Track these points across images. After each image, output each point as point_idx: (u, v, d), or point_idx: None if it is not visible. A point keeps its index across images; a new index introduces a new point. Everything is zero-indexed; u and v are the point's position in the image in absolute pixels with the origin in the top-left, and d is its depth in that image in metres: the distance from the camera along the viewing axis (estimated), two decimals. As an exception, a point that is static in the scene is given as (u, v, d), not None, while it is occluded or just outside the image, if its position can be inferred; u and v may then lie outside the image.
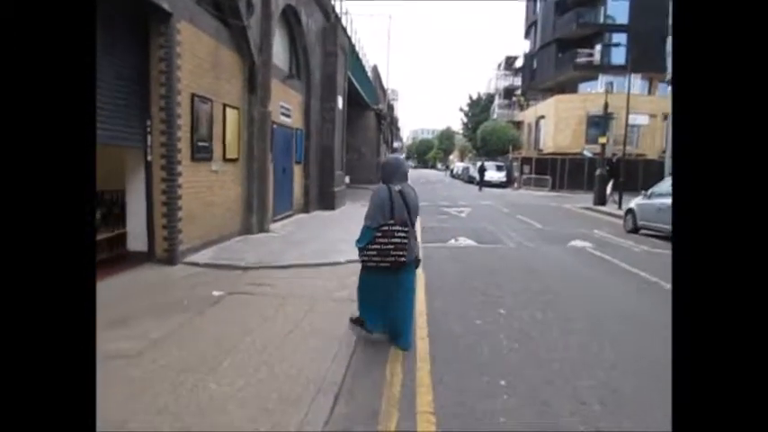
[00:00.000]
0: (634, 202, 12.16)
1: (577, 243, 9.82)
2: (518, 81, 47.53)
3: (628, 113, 18.45)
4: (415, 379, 3.43)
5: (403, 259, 3.78)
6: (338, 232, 9.47)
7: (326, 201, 14.21)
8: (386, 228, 3.77)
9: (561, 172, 30.11)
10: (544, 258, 8.22)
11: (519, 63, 47.47)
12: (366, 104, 26.73)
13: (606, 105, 20.49)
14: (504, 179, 32.91)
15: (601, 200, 18.93)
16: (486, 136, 39.19)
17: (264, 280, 5.82)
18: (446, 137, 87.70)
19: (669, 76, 15.25)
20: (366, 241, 3.83)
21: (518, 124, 41.06)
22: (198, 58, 6.89)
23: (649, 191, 11.70)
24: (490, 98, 54.27)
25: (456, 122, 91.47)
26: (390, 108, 40.79)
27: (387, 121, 36.27)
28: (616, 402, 3.16)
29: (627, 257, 8.33)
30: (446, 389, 3.29)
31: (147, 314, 4.41)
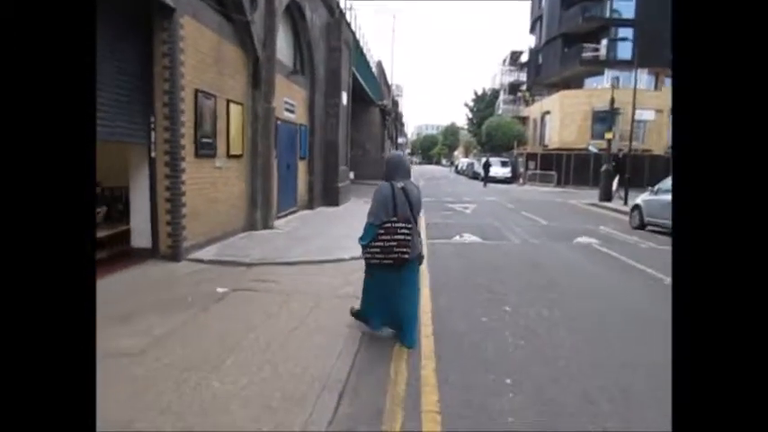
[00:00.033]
0: (640, 198, 12.06)
1: (583, 239, 9.75)
2: (523, 76, 47.25)
3: (634, 109, 18.29)
4: (419, 377, 3.40)
5: (406, 256, 3.76)
6: (342, 228, 9.44)
7: (331, 197, 14.18)
8: (389, 225, 3.75)
9: (566, 168, 29.98)
10: (549, 255, 8.16)
11: (524, 58, 47.18)
12: (370, 100, 26.64)
13: (612, 100, 20.31)
14: (509, 175, 32.78)
15: (606, 196, 18.80)
16: (491, 131, 39.03)
17: (269, 277, 5.79)
18: (451, 132, 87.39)
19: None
20: (369, 238, 3.81)
21: (523, 120, 40.88)
22: (201, 53, 6.86)
23: (656, 187, 11.60)
24: (495, 93, 53.96)
25: (461, 118, 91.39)
26: (395, 104, 40.63)
27: (391, 117, 36.15)
28: (625, 401, 3.12)
29: (633, 254, 8.25)
30: (452, 388, 3.25)
31: (150, 311, 4.40)
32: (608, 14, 32.37)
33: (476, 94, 55.06)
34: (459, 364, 3.63)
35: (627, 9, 31.44)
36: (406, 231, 3.74)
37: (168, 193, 6.32)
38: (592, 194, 20.89)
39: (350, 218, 11.04)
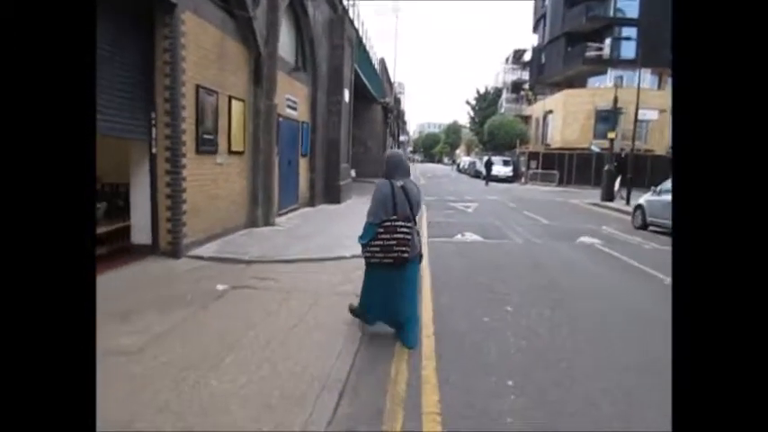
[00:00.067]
0: (643, 198, 12.01)
1: (585, 239, 9.71)
2: (526, 75, 47.07)
3: (637, 108, 18.19)
4: (420, 377, 3.37)
5: (406, 255, 3.73)
6: (343, 226, 9.40)
7: (332, 194, 14.14)
8: (388, 223, 3.72)
9: (569, 167, 29.91)
10: (551, 255, 8.12)
11: (527, 57, 46.99)
12: (373, 98, 26.55)
13: (615, 100, 20.22)
14: (511, 174, 32.73)
15: (608, 196, 18.74)
16: (494, 130, 38.91)
17: (269, 274, 5.77)
18: (453, 131, 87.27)
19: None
20: (369, 237, 3.79)
21: (526, 119, 40.74)
22: (203, 49, 6.82)
23: (658, 187, 11.55)
24: (498, 92, 53.77)
25: (463, 116, 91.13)
26: (397, 101, 40.54)
27: (393, 115, 36.08)
28: (627, 403, 3.09)
29: (636, 254, 8.21)
30: (453, 388, 3.22)
31: (150, 308, 4.37)
32: (612, 14, 32.20)
33: (478, 92, 54.93)
34: (460, 365, 3.60)
35: (631, 8, 31.26)
36: (405, 230, 3.72)
37: (169, 189, 6.29)
38: (594, 194, 20.84)
39: (351, 216, 11.00)
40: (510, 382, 3.32)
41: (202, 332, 3.90)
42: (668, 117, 27.55)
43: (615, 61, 31.14)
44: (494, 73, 61.47)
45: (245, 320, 4.16)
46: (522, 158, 33.80)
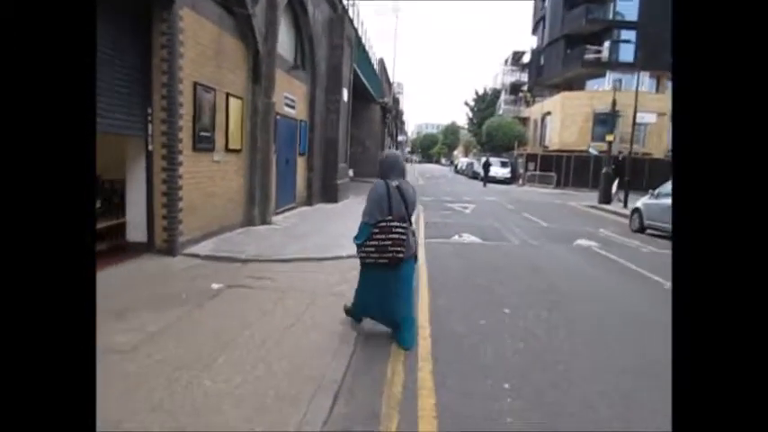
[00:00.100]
0: (641, 201, 12.02)
1: (583, 242, 9.71)
2: (525, 77, 47.14)
3: (636, 111, 18.22)
4: (416, 380, 3.34)
5: (401, 255, 3.71)
6: (340, 226, 9.36)
7: (330, 193, 14.10)
8: (384, 224, 3.71)
9: (566, 169, 29.92)
10: (549, 257, 8.11)
11: (526, 59, 47.05)
12: (371, 97, 26.51)
13: (614, 103, 20.26)
14: (509, 175, 32.74)
15: (606, 198, 18.77)
16: (492, 131, 38.94)
17: (265, 273, 5.73)
18: (451, 132, 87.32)
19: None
20: (364, 238, 3.76)
21: (524, 120, 40.78)
22: (201, 46, 6.77)
23: (656, 190, 11.57)
24: (496, 93, 53.81)
25: (461, 117, 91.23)
26: (396, 101, 40.48)
27: (392, 115, 36.04)
28: (625, 406, 3.06)
29: (633, 257, 8.21)
30: (449, 391, 3.19)
31: (145, 306, 4.33)
32: (611, 16, 32.28)
33: (477, 93, 54.96)
34: (457, 368, 3.57)
35: (630, 11, 31.34)
36: (401, 230, 3.70)
37: (165, 186, 6.25)
38: (591, 197, 20.86)
39: (348, 215, 10.95)
40: (507, 385, 3.30)
41: (197, 331, 3.86)
42: (666, 120, 27.65)
43: (614, 64, 31.17)
44: (492, 74, 61.45)
45: (241, 320, 4.12)
46: (520, 160, 33.81)
